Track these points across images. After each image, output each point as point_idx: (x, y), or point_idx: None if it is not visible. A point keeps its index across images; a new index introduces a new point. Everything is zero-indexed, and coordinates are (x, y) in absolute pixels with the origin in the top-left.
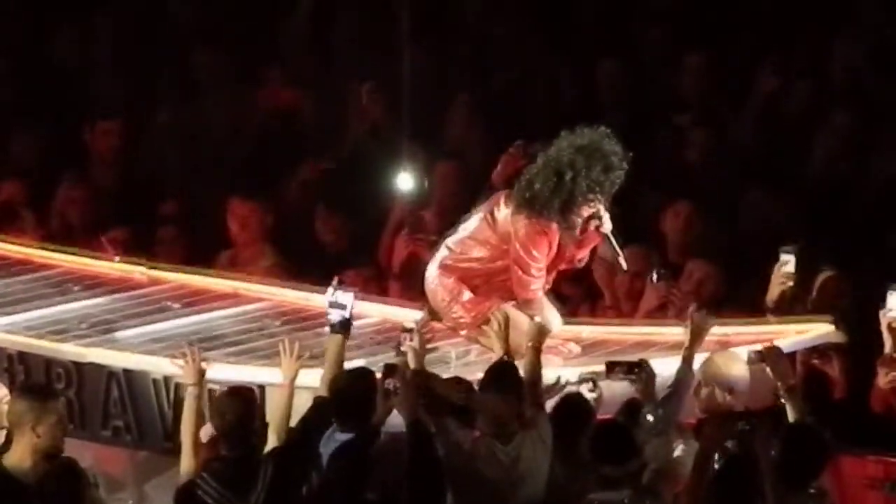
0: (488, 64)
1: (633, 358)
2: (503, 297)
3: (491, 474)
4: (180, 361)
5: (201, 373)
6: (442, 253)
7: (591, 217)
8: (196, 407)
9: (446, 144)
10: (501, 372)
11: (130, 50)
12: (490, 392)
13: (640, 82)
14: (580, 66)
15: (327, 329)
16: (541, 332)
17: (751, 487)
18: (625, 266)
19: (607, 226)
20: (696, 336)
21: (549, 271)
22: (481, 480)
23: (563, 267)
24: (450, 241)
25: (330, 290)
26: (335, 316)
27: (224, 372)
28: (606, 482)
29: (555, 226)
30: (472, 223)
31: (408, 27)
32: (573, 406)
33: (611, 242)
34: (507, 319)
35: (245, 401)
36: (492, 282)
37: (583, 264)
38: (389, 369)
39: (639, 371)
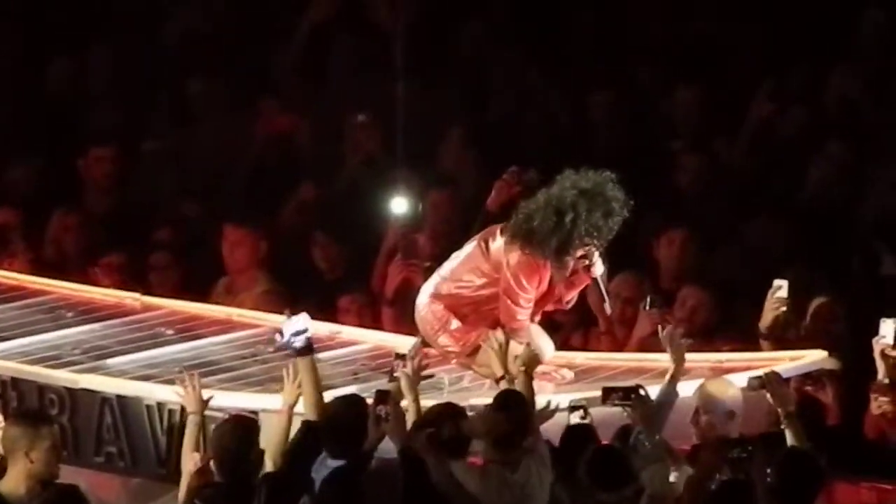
0: (484, 92)
1: (629, 384)
2: (492, 326)
3: (500, 502)
4: (181, 389)
5: (202, 400)
6: (433, 280)
7: (583, 257)
8: (197, 434)
9: (440, 171)
10: (509, 396)
11: (125, 79)
12: (501, 413)
13: (635, 111)
14: (575, 95)
15: (321, 356)
16: (533, 359)
17: None
18: (609, 311)
19: (598, 269)
20: (679, 356)
21: (535, 306)
22: None
23: (549, 308)
24: (442, 269)
25: (284, 323)
26: (300, 342)
27: (218, 399)
28: None
29: (548, 262)
30: (465, 251)
31: (404, 56)
32: (580, 434)
33: (599, 286)
34: (507, 341)
35: (245, 429)
36: (480, 311)
37: (569, 306)
38: (381, 395)
39: (635, 397)
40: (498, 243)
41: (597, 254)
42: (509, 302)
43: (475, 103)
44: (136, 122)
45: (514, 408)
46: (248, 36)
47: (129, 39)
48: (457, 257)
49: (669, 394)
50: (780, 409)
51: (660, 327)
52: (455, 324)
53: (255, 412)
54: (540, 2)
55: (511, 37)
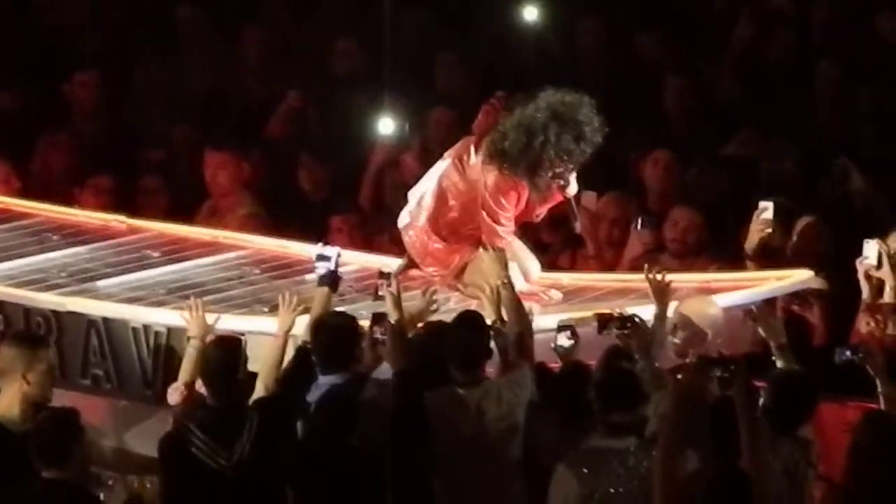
0: (472, 18)
1: (625, 312)
2: (474, 246)
3: (460, 425)
4: (186, 314)
5: (206, 325)
6: (411, 203)
7: (556, 177)
8: (196, 359)
9: (431, 93)
10: (466, 317)
11: (111, 5)
12: (457, 333)
13: (620, 37)
14: (563, 24)
15: (307, 277)
16: (500, 259)
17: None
18: (578, 229)
19: (572, 190)
20: (660, 295)
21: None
22: (455, 437)
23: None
24: (418, 189)
25: (319, 244)
26: (321, 269)
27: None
28: (613, 429)
29: (524, 181)
30: (438, 169)
31: None
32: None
33: (572, 206)
34: (496, 290)
35: (231, 350)
36: (459, 232)
37: (539, 220)
38: (377, 318)
39: (631, 325)
40: (474, 160)
41: (572, 174)
42: (490, 221)
43: (463, 28)
44: (121, 49)
45: (472, 328)
46: None
47: None
48: (432, 175)
49: (658, 333)
50: (771, 342)
51: (645, 267)
52: (436, 246)
53: (241, 334)
54: None
55: None
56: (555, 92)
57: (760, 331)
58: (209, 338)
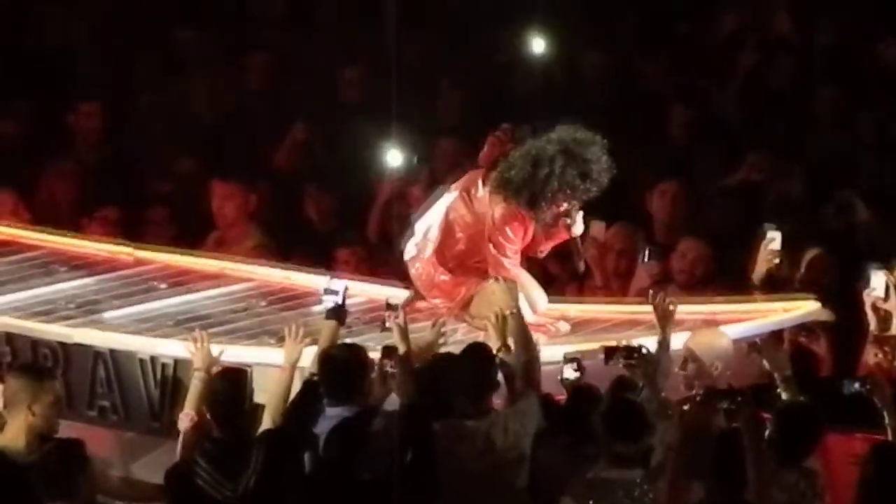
0: (477, 48)
1: (632, 343)
2: (479, 277)
3: (467, 456)
4: (191, 346)
5: (210, 358)
6: (417, 235)
7: (562, 214)
8: (202, 391)
9: (435, 123)
10: (474, 348)
11: (111, 30)
12: (465, 365)
13: (624, 66)
14: (568, 54)
15: (313, 309)
16: (510, 289)
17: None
18: (581, 269)
19: (578, 229)
20: (665, 321)
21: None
22: (463, 468)
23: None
24: (424, 221)
25: (327, 277)
26: (328, 302)
27: (213, 352)
28: (618, 460)
29: (526, 212)
30: (446, 201)
31: (396, 7)
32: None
33: (577, 246)
34: (503, 318)
35: (236, 382)
36: (465, 264)
37: (542, 255)
38: (388, 351)
39: (638, 356)
40: (482, 192)
41: (579, 214)
42: (496, 253)
43: (469, 59)
44: (123, 76)
45: (479, 360)
46: None
47: None
48: (438, 207)
49: (662, 360)
50: (776, 374)
51: (650, 294)
52: (442, 278)
53: (248, 365)
54: None
55: None
56: (569, 128)
57: (765, 363)
58: (214, 369)
